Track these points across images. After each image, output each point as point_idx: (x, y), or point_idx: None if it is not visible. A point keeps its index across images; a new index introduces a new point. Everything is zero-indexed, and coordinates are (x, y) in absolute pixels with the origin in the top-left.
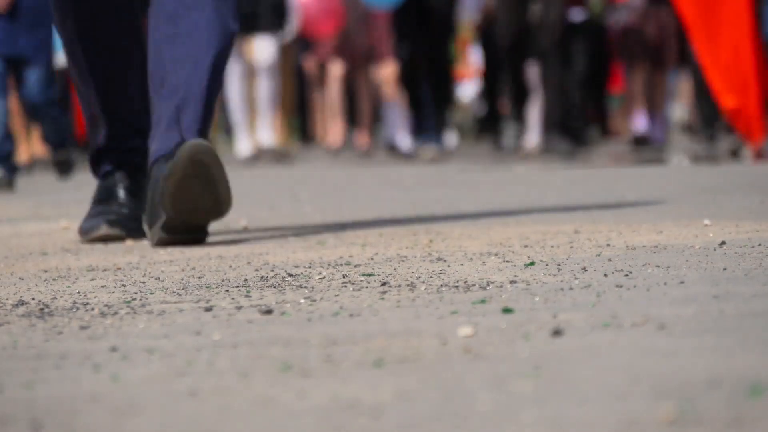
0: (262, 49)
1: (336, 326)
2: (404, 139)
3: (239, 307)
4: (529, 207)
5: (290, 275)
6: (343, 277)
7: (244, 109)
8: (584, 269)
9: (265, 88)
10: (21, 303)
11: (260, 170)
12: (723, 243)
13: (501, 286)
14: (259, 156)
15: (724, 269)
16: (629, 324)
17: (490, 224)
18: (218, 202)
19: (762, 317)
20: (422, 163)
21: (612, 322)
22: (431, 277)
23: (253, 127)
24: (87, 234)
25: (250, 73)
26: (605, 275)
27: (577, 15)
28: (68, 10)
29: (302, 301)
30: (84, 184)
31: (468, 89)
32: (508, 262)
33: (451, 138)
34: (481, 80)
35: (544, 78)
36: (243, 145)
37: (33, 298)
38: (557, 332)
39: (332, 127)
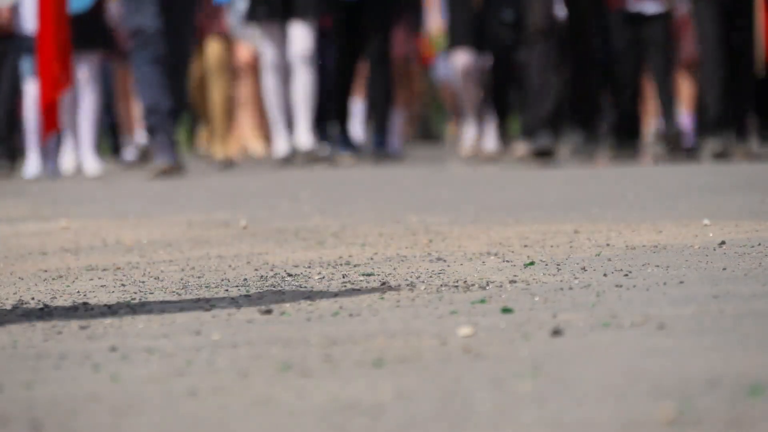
0: (297, 38)
1: (336, 326)
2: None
3: (239, 307)
4: (529, 207)
5: (290, 275)
6: (343, 277)
7: (280, 106)
8: (584, 269)
9: (301, 84)
10: (21, 303)
11: (269, 172)
12: (723, 243)
13: (501, 286)
14: (295, 157)
15: (724, 269)
16: (629, 324)
17: (490, 224)
18: None
19: (762, 317)
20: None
21: (612, 322)
22: (431, 276)
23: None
24: None
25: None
26: (605, 275)
27: (649, 7)
28: None
29: (302, 301)
30: (83, 184)
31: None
32: (507, 261)
33: (358, 137)
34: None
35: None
36: (280, 145)
37: (33, 298)
38: (557, 332)
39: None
